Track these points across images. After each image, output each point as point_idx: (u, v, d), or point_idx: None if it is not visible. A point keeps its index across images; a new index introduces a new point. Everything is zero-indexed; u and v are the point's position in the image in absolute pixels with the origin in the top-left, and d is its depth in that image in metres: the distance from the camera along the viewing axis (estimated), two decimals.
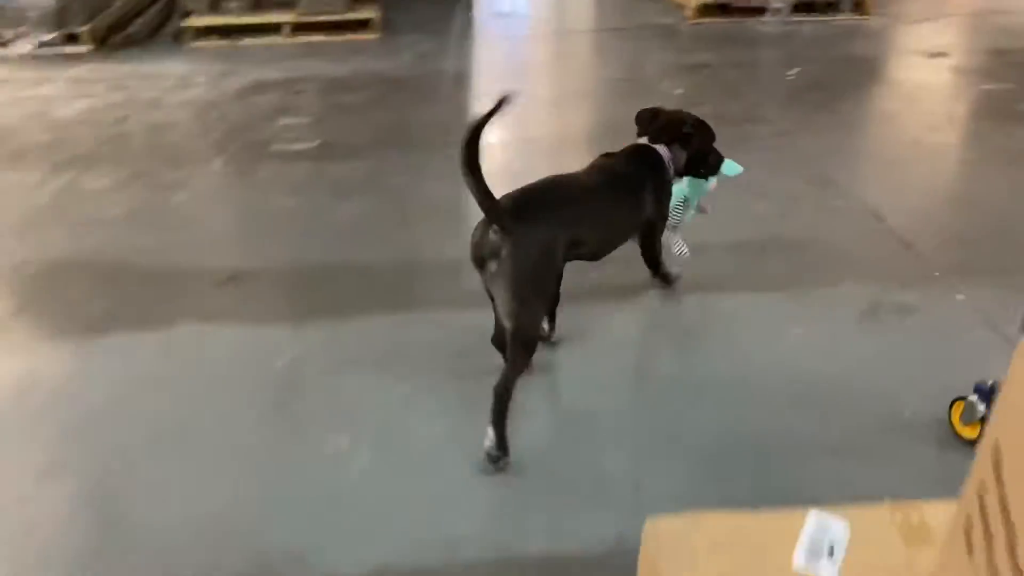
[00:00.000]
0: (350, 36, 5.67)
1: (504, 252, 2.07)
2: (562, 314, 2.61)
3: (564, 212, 2.23)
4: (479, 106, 4.81)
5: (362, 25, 5.71)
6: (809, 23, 5.86)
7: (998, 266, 3.00)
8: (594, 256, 2.48)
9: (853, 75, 5.18)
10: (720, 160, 2.75)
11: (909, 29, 5.87)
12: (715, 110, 4.41)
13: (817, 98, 4.61)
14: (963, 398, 2.18)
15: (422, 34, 5.78)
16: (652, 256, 2.77)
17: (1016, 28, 5.72)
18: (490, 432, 2.12)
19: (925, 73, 5.09)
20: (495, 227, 2.07)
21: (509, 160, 4.02)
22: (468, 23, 6.23)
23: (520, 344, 2.15)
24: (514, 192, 2.19)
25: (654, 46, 5.59)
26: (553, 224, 2.17)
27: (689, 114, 2.69)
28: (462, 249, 3.19)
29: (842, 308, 2.77)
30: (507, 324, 2.15)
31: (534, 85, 5.02)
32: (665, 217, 2.67)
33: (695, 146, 2.63)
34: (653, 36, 5.76)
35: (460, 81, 5.11)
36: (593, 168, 2.53)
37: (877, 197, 3.46)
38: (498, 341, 2.37)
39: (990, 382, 2.10)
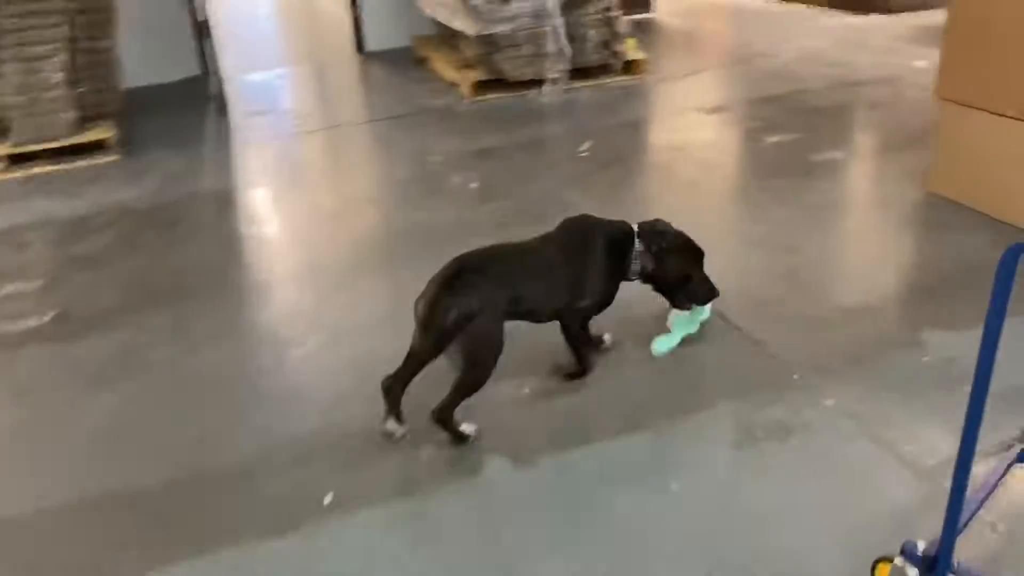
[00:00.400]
0: (83, 162, 4.83)
1: (452, 319, 2.27)
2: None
3: (502, 275, 2.41)
4: (253, 234, 4.19)
5: (97, 147, 4.89)
6: (586, 89, 5.71)
7: (849, 353, 2.78)
8: (536, 319, 2.56)
9: (643, 142, 5.06)
10: (708, 293, 2.73)
11: (681, 85, 5.87)
12: (516, 202, 4.07)
13: (615, 174, 4.38)
14: (887, 559, 1.86)
15: (170, 149, 5.05)
16: (574, 343, 2.68)
17: (780, 72, 5.86)
18: (448, 436, 2.41)
19: (710, 132, 5.04)
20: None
21: (297, 298, 3.43)
22: (223, 128, 5.56)
23: (467, 388, 2.36)
24: (448, 268, 2.37)
25: (436, 133, 5.20)
26: (490, 289, 2.34)
27: (678, 233, 2.71)
28: (266, 437, 2.59)
29: (714, 442, 2.42)
30: (459, 375, 2.34)
31: (312, 195, 4.46)
32: (593, 298, 2.61)
33: (666, 266, 2.65)
34: (432, 121, 5.37)
35: (224, 203, 4.43)
36: (549, 234, 2.65)
37: None
38: (396, 385, 2.42)
39: (920, 545, 1.79)
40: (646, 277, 2.70)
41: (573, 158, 4.61)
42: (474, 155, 4.73)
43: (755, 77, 5.84)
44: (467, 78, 5.66)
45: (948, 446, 2.34)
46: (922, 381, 2.62)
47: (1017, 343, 2.11)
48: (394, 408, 2.43)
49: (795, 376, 2.68)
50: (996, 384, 1.76)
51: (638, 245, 2.63)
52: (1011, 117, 3.44)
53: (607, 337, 2.83)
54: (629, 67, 5.91)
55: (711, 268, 2.78)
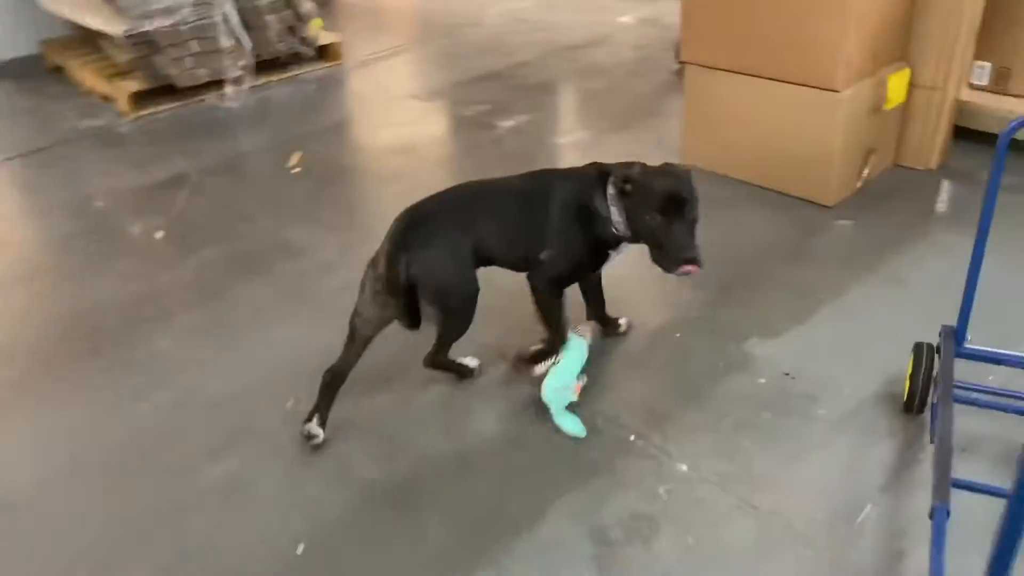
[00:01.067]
0: None
1: (413, 273, 2.05)
2: None
3: (459, 216, 2.15)
4: None
5: None
6: (278, 86, 4.83)
7: (680, 391, 2.33)
8: (512, 268, 2.26)
9: (363, 145, 4.32)
10: (673, 254, 1.98)
11: (385, 69, 5.17)
12: (223, 250, 3.19)
13: (342, 193, 3.63)
14: None
15: None
16: (542, 309, 2.25)
17: (490, 43, 5.37)
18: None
19: (436, 123, 4.41)
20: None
21: None
22: None
23: (450, 337, 2.25)
24: (399, 221, 2.14)
25: (95, 165, 4.07)
26: (451, 234, 2.12)
27: (652, 169, 2.08)
28: None
29: (571, 566, 1.84)
30: (439, 329, 2.21)
31: None
32: (553, 252, 2.16)
33: (633, 208, 2.07)
34: (88, 151, 4.21)
35: None
36: (516, 177, 2.28)
37: (486, 337, 2.57)
38: (336, 379, 2.22)
39: None
40: (629, 236, 2.14)
41: (283, 178, 3.77)
42: (153, 191, 3.71)
43: (464, 52, 5.29)
44: (123, 89, 4.52)
45: (830, 501, 1.96)
46: (769, 412, 2.23)
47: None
48: (326, 407, 2.21)
49: (631, 438, 2.18)
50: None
51: (611, 189, 2.10)
52: (756, 76, 3.18)
53: (623, 321, 2.55)
54: (322, 53, 5.10)
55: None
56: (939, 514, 1.62)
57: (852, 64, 2.96)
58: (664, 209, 1.98)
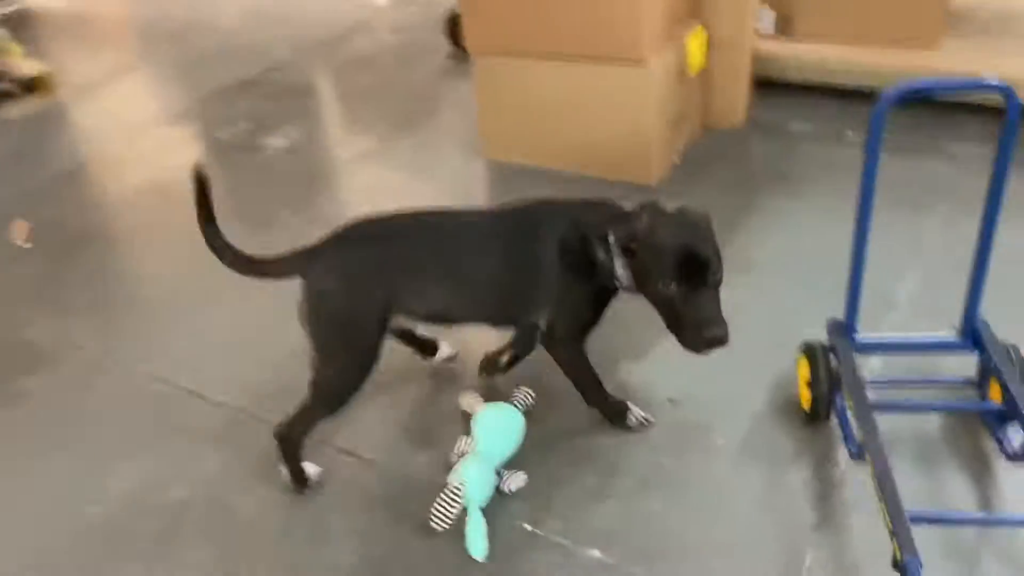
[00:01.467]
0: None
1: (301, 296, 1.76)
2: None
3: (382, 258, 1.78)
4: None
5: None
6: None
7: (563, 458, 2.00)
8: (448, 322, 1.93)
9: (104, 195, 3.58)
10: (718, 335, 1.62)
11: (113, 94, 4.37)
12: None
13: (87, 264, 2.93)
14: None
15: None
16: (570, 377, 1.98)
17: (232, 47, 4.71)
18: (283, 469, 1.88)
19: (189, 152, 3.74)
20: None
21: None
22: None
23: (318, 396, 1.81)
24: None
25: None
26: (360, 271, 1.77)
27: (666, 218, 1.70)
28: None
29: None
30: (311, 374, 1.81)
31: None
32: (567, 321, 1.89)
33: (642, 272, 1.69)
34: None
35: None
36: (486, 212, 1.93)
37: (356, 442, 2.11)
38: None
39: None
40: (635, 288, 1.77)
41: (8, 258, 3.00)
42: None
43: (205, 59, 4.59)
44: None
45: (765, 558, 1.71)
46: (667, 456, 1.96)
47: None
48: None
49: (526, 527, 1.82)
50: None
51: (612, 238, 1.73)
52: (554, 58, 2.88)
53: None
54: (31, 87, 4.22)
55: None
56: (912, 568, 1.41)
57: (654, 35, 2.71)
58: (681, 275, 1.62)
